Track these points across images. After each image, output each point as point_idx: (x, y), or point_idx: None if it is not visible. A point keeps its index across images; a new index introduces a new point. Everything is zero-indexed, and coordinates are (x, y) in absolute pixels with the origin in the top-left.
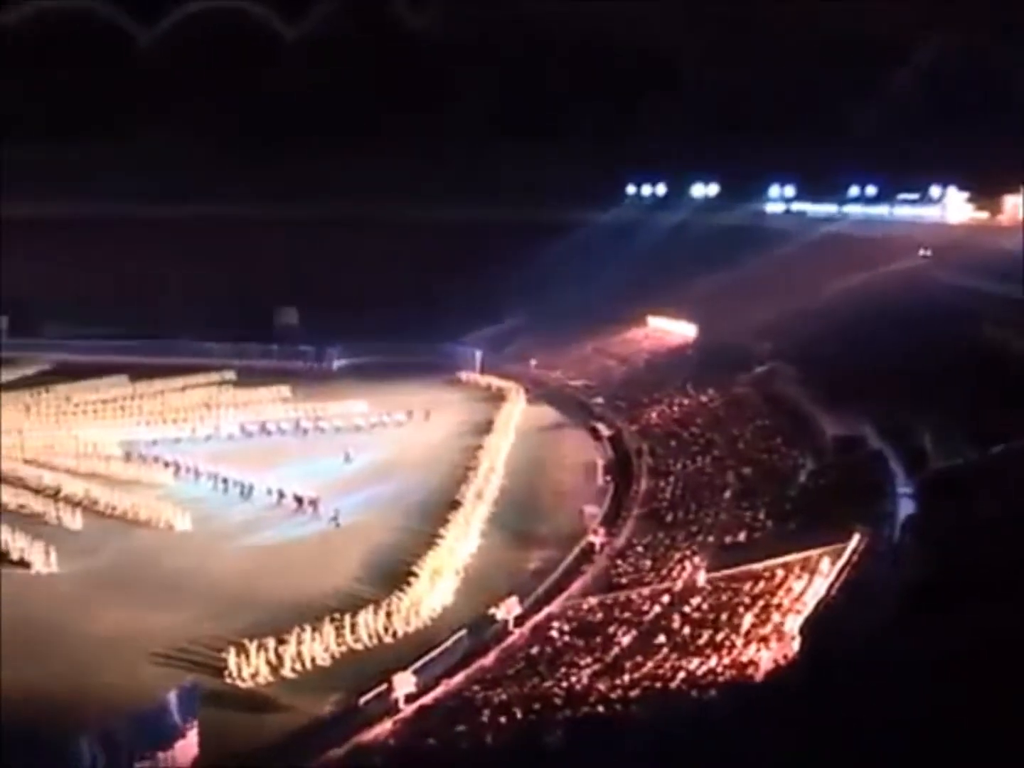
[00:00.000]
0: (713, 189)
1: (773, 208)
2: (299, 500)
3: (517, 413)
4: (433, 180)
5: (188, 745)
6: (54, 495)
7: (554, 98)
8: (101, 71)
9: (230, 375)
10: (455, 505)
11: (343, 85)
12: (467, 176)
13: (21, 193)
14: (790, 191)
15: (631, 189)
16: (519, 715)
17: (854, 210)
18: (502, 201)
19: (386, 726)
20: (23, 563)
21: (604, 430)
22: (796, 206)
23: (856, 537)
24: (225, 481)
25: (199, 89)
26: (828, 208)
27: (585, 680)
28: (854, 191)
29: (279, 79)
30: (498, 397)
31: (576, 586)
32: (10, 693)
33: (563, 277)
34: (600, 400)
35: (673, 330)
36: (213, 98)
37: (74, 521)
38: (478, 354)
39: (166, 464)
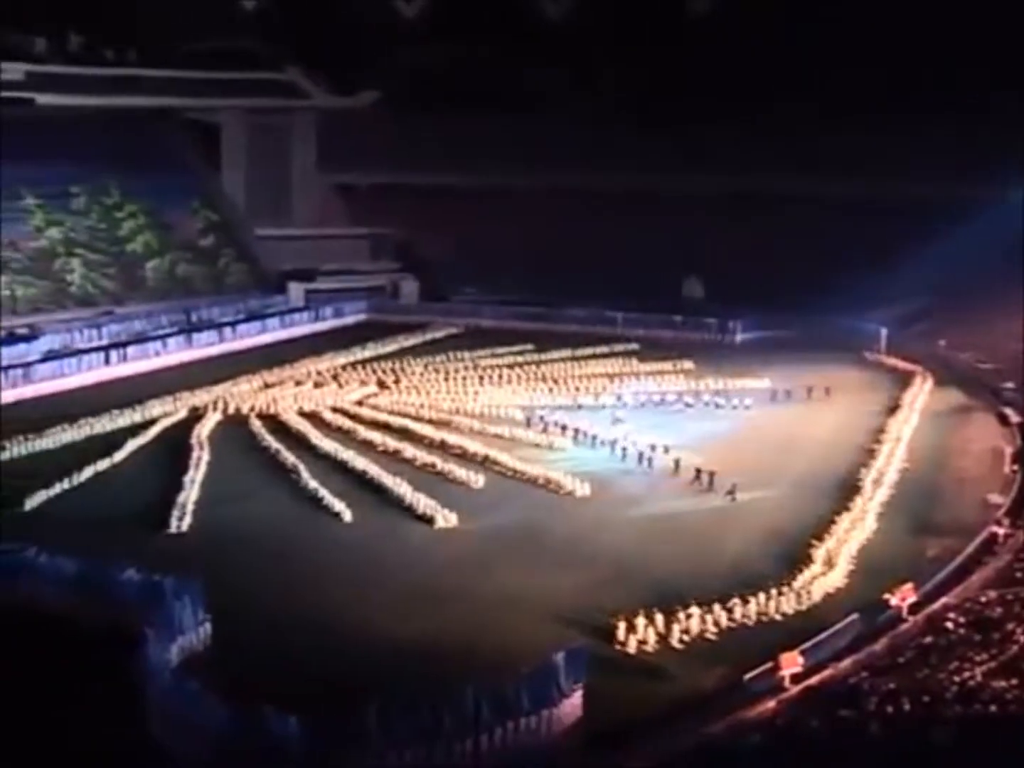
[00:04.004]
0: None
1: None
2: (697, 472)
3: (922, 395)
4: (839, 157)
5: (573, 706)
6: (458, 455)
7: (969, 68)
8: (514, 46)
9: (633, 346)
10: (854, 487)
11: (745, 59)
12: (877, 152)
13: (434, 164)
14: None
15: None
16: (907, 706)
17: None
18: (917, 178)
19: (769, 704)
20: (427, 519)
21: (1013, 416)
22: None
23: None
24: (624, 449)
25: (610, 60)
26: None
27: (979, 677)
28: None
29: (684, 53)
30: (903, 378)
31: (975, 578)
32: (410, 642)
33: (977, 255)
34: (1011, 385)
35: None
36: (629, 69)
37: (476, 481)
38: (884, 332)
39: (566, 430)
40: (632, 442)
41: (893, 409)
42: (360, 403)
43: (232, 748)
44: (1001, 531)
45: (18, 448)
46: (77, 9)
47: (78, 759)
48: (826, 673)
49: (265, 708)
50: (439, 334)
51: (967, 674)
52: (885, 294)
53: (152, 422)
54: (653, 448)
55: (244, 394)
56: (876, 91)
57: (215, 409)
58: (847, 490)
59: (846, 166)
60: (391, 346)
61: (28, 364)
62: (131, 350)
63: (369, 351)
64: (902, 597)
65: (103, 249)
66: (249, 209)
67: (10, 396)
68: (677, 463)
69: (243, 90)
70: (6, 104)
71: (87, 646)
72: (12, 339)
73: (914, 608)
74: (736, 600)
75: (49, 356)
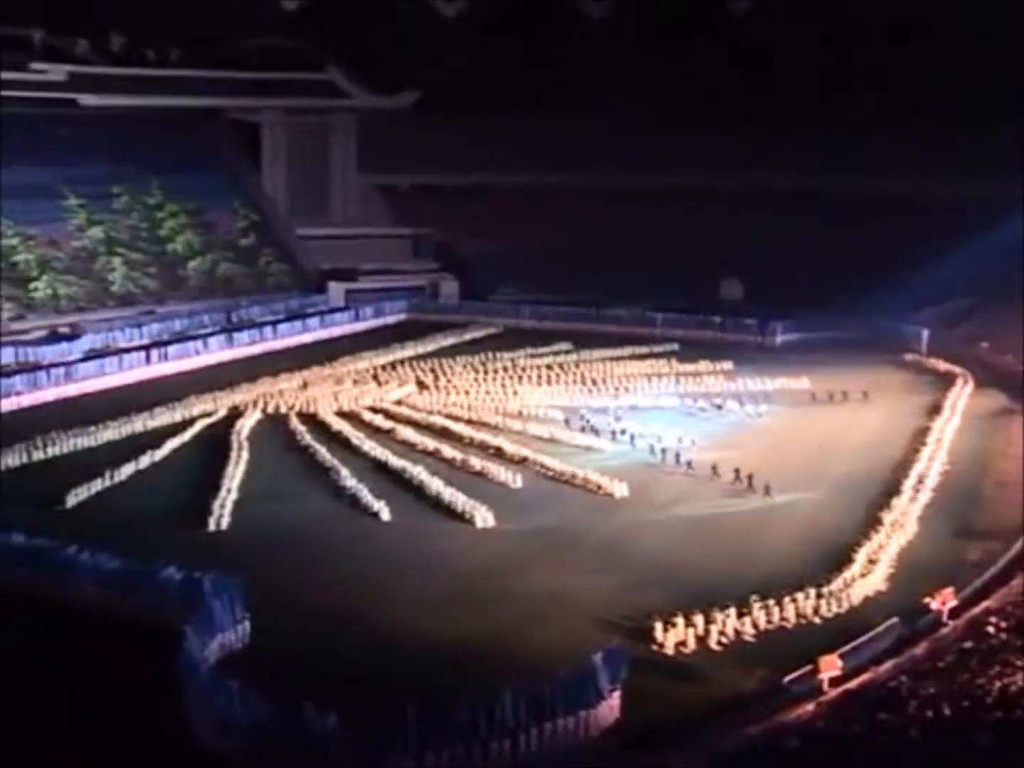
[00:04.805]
0: None
1: None
2: (736, 473)
3: (964, 397)
4: (881, 156)
5: (610, 708)
6: (496, 454)
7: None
8: (555, 46)
9: (673, 346)
10: (894, 489)
11: (785, 58)
12: (920, 151)
13: (474, 164)
14: None
15: None
16: (947, 711)
17: None
18: (961, 177)
19: (808, 707)
20: (465, 518)
21: None
22: None
23: None
24: (663, 451)
25: (656, 58)
26: None
27: (1020, 682)
28: None
29: (725, 50)
30: (944, 380)
31: (1017, 582)
32: (447, 642)
33: (1021, 256)
34: None
35: None
36: (669, 67)
37: (514, 481)
38: (925, 333)
39: (604, 431)
40: (660, 438)
41: (934, 411)
42: (399, 402)
43: (271, 746)
44: None
45: (60, 446)
46: (119, 10)
47: (116, 757)
48: (866, 677)
49: (304, 707)
50: (479, 334)
51: (1008, 679)
52: (927, 295)
53: (192, 420)
54: (681, 441)
55: (284, 393)
56: (922, 90)
57: (255, 408)
58: (887, 492)
59: (889, 165)
60: (430, 346)
61: (70, 363)
62: (172, 349)
63: (408, 351)
64: (943, 601)
65: (144, 249)
66: (290, 209)
67: (52, 394)
68: (715, 464)
69: (284, 90)
70: (49, 105)
71: (126, 643)
72: (54, 338)
73: (955, 612)
74: (775, 602)
75: (91, 355)
